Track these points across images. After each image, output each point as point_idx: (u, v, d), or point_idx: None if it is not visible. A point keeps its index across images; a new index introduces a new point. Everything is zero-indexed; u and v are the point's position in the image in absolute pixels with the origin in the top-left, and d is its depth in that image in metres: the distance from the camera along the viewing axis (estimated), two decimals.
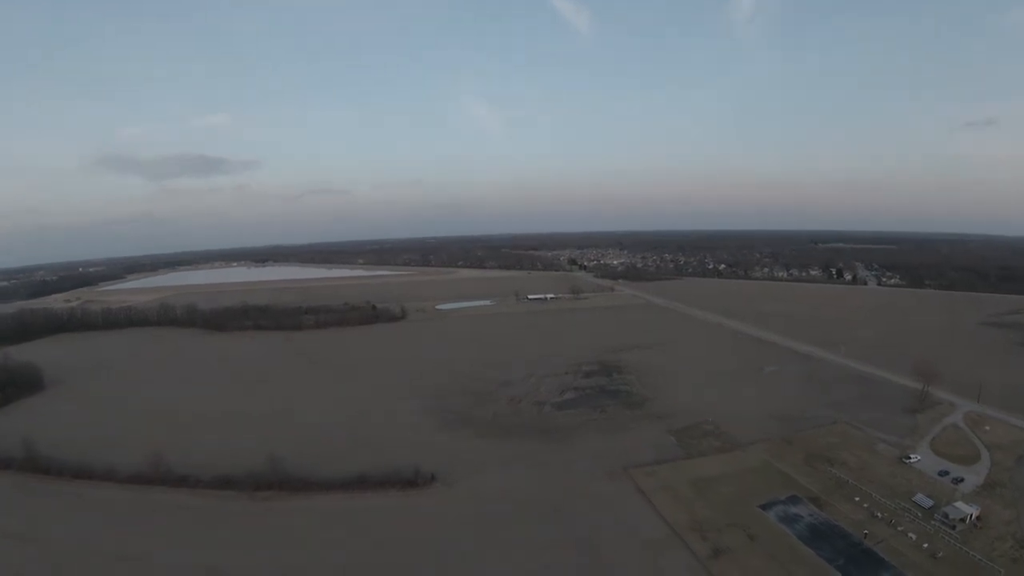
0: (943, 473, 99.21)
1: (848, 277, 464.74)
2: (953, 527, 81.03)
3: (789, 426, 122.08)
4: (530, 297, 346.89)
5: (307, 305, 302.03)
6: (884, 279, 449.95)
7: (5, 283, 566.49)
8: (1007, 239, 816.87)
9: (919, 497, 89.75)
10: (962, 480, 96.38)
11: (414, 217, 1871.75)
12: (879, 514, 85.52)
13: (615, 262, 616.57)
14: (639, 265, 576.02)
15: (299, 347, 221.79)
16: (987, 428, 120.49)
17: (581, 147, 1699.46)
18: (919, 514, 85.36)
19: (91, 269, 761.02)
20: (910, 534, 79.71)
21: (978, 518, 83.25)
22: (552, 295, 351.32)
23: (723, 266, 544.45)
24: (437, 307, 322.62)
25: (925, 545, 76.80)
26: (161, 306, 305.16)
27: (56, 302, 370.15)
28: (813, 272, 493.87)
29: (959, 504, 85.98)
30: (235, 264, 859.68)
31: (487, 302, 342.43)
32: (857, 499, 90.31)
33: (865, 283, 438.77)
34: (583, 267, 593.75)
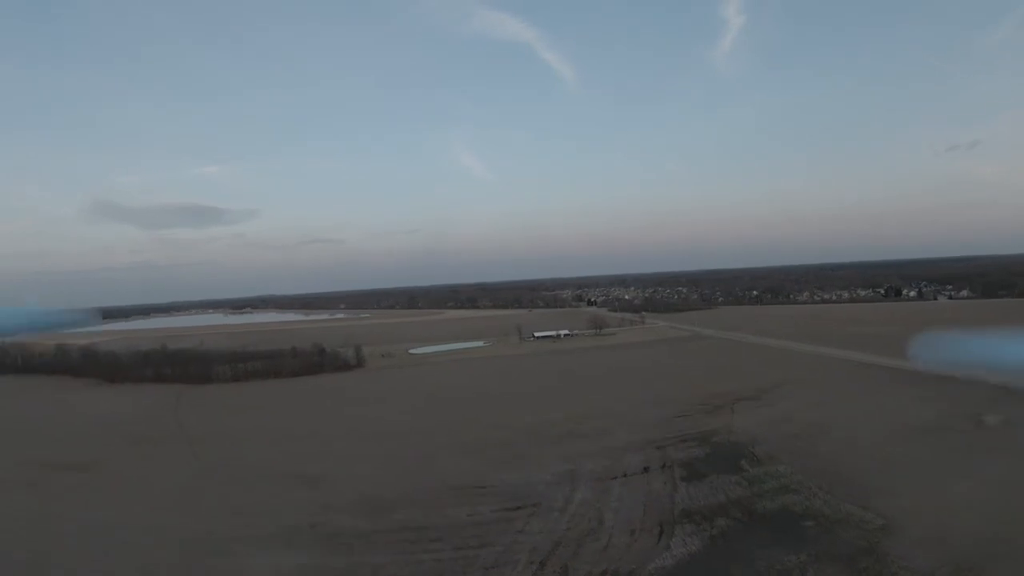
0: None
1: (911, 294, 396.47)
2: None
3: None
4: (537, 335, 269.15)
5: (245, 350, 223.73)
6: (953, 293, 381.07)
7: None
8: (1015, 256, 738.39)
9: None
10: None
11: (410, 266, 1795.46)
12: None
13: (627, 296, 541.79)
14: (657, 297, 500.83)
15: (186, 410, 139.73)
16: None
17: (573, 193, 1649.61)
18: None
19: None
20: None
21: None
22: (566, 332, 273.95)
23: (755, 292, 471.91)
24: (411, 351, 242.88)
25: None
26: (57, 350, 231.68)
27: None
28: (863, 293, 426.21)
29: None
30: (211, 311, 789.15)
31: (479, 343, 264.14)
32: None
33: (934, 298, 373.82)
34: (592, 302, 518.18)
